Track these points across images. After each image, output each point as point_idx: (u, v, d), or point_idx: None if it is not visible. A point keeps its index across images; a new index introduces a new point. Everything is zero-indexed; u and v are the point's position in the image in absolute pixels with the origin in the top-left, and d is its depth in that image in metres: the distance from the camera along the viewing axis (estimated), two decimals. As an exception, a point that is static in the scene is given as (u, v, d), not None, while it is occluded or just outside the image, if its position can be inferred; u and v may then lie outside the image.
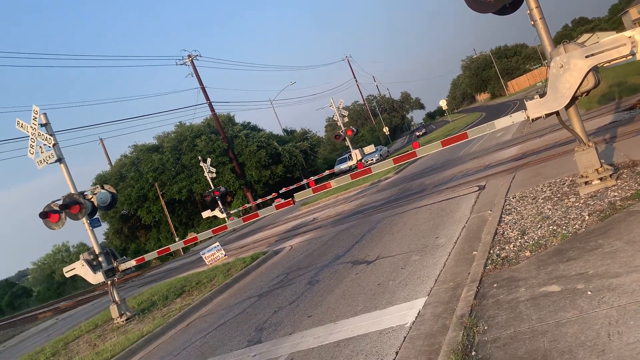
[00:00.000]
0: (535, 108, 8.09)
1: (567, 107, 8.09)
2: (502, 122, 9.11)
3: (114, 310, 13.37)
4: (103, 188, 13.62)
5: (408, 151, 10.83)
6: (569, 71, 7.57)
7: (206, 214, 37.05)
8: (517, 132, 23.87)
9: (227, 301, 11.81)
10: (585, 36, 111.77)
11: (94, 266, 13.27)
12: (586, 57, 7.40)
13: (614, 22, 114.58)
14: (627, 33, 7.35)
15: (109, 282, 13.27)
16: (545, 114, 8.11)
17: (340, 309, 7.62)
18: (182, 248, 44.51)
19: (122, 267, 13.50)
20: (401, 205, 15.42)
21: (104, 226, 55.95)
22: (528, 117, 8.30)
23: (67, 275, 13.61)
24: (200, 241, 43.19)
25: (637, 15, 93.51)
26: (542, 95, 8.02)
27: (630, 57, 7.33)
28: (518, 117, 8.67)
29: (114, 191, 13.83)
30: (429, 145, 10.62)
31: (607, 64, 7.83)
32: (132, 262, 13.71)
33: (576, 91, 7.72)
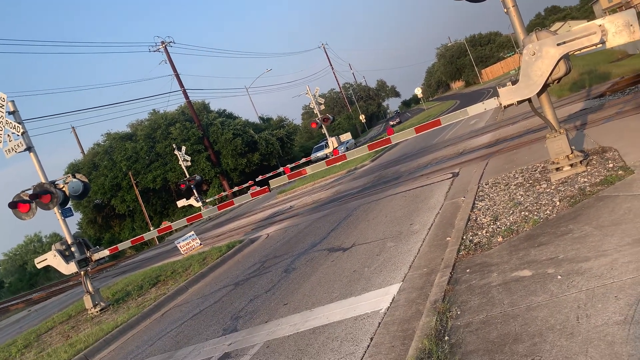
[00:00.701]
0: (508, 95, 8.16)
1: (538, 94, 8.18)
2: (474, 109, 9.19)
3: (87, 301, 13.19)
4: (75, 177, 13.35)
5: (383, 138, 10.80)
6: (541, 59, 7.64)
7: (181, 203, 36.65)
8: (491, 120, 24.15)
9: (202, 290, 11.75)
10: (557, 24, 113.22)
11: (67, 256, 13.03)
12: (558, 44, 7.48)
13: (585, 10, 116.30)
14: (598, 21, 7.44)
15: (82, 272, 13.07)
16: (517, 101, 8.19)
17: (316, 296, 7.64)
18: (157, 237, 44.07)
19: (96, 256, 13.31)
20: (377, 192, 15.49)
21: (77, 216, 55.11)
22: (500, 104, 8.37)
23: (39, 266, 13.34)
24: (176, 230, 42.84)
25: (608, 4, 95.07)
26: (514, 83, 8.10)
27: (600, 45, 7.43)
28: (490, 104, 8.75)
29: (86, 180, 13.57)
30: (403, 132, 10.66)
31: (578, 52, 7.92)
32: (106, 252, 13.51)
33: (548, 78, 7.81)
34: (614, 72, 21.91)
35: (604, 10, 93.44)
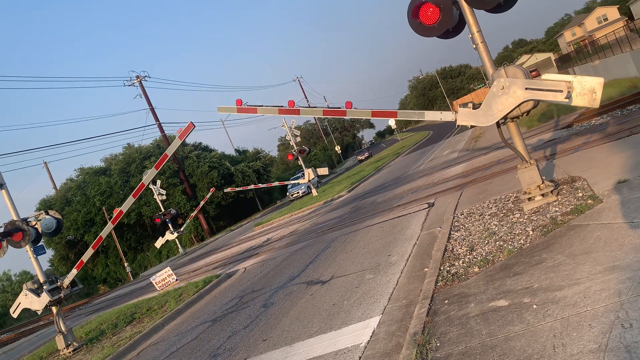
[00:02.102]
0: (465, 116, 8.38)
1: (497, 124, 8.44)
2: (431, 115, 9.17)
3: (59, 341, 12.78)
4: (48, 214, 13.11)
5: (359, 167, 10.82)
6: (507, 95, 7.91)
7: (159, 242, 35.93)
8: (463, 150, 24.62)
9: (179, 327, 11.53)
10: (524, 57, 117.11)
11: (38, 291, 12.62)
12: (526, 88, 7.77)
13: (550, 44, 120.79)
14: (568, 78, 7.74)
15: (54, 308, 12.68)
16: (471, 125, 8.42)
17: (295, 331, 7.58)
18: (131, 273, 43.23)
19: (66, 281, 12.76)
20: (354, 223, 15.56)
21: (49, 253, 53.75)
22: (456, 121, 8.56)
23: (16, 314, 12.81)
24: (149, 266, 42.10)
25: (571, 37, 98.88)
26: (475, 107, 8.33)
27: (567, 100, 7.68)
28: (447, 116, 8.83)
29: (59, 217, 13.33)
30: (359, 111, 9.97)
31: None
32: (73, 271, 12.95)
33: (506, 115, 8.08)
34: (580, 102, 22.59)
35: (568, 43, 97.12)
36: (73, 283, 13.01)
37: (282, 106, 10.07)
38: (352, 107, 9.59)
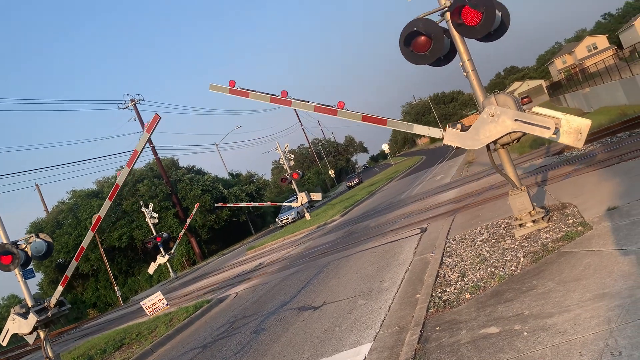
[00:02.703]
0: (452, 137, 8.48)
1: (489, 150, 8.55)
2: (419, 129, 9.23)
3: (46, 368, 12.55)
4: (38, 237, 12.98)
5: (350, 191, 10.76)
6: (495, 123, 8.03)
7: (152, 268, 35.53)
8: (456, 175, 24.76)
9: (169, 353, 11.38)
10: (516, 84, 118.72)
11: (26, 316, 12.36)
12: (515, 120, 7.90)
13: (541, 71, 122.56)
14: (558, 115, 7.92)
15: (42, 334, 12.46)
16: (457, 146, 8.52)
17: (286, 357, 7.51)
18: (121, 298, 42.70)
19: (53, 300, 12.47)
20: (347, 248, 15.52)
21: (38, 276, 53.06)
22: (443, 139, 8.63)
23: (5, 342, 12.56)
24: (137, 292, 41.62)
25: (562, 65, 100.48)
26: (463, 130, 8.43)
27: (554, 136, 7.84)
28: (435, 132, 8.90)
29: (50, 240, 13.19)
30: (350, 112, 9.71)
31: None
32: (59, 289, 12.68)
33: (495, 141, 8.21)
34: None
35: (559, 70, 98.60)
36: (61, 303, 12.76)
37: (275, 95, 9.97)
38: (344, 108, 9.52)
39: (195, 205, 39.23)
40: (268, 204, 43.92)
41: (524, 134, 8.12)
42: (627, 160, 10.99)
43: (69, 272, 12.67)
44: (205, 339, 11.12)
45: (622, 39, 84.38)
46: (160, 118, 11.00)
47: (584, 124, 7.77)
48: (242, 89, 10.21)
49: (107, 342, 15.08)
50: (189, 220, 38.44)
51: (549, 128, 7.63)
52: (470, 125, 8.38)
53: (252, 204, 45.06)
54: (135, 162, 11.72)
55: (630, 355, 3.79)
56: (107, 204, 12.44)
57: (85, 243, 12.51)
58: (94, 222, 12.62)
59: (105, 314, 36.64)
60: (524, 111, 8.36)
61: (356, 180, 72.17)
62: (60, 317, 12.84)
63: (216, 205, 42.65)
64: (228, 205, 43.95)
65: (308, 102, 9.89)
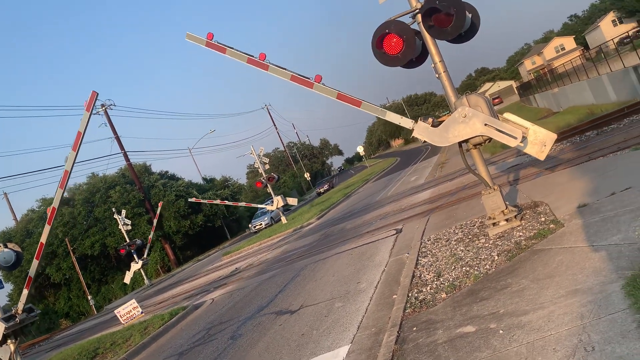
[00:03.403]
0: (422, 131, 8.54)
1: (461, 151, 8.64)
2: (392, 116, 9.13)
3: (17, 381, 12.20)
4: (7, 247, 12.62)
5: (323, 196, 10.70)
6: (465, 124, 8.13)
7: (128, 278, 34.72)
8: (430, 176, 24.98)
9: (144, 362, 11.18)
10: (487, 85, 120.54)
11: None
12: (485, 124, 8.01)
13: (512, 72, 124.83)
14: (527, 124, 8.12)
15: (11, 346, 12.10)
16: (424, 140, 8.58)
17: (263, 363, 7.44)
18: (95, 307, 41.87)
19: (20, 305, 12.05)
20: (324, 251, 15.50)
21: (7, 287, 51.67)
22: (412, 130, 8.67)
23: None
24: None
25: (531, 66, 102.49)
26: (434, 125, 8.50)
27: (522, 144, 8.01)
28: (406, 123, 8.89)
29: (19, 249, 12.84)
30: (326, 88, 9.42)
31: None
32: (24, 292, 12.24)
33: (464, 142, 8.39)
34: (541, 129, 23.31)
35: (528, 71, 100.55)
36: (30, 309, 12.41)
37: (253, 56, 9.67)
38: (321, 83, 9.31)
39: (159, 203, 38.73)
40: (243, 204, 43.62)
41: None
42: (596, 159, 11.22)
43: (32, 273, 12.23)
44: (181, 347, 10.96)
45: (588, 39, 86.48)
46: (98, 94, 10.78)
47: (550, 138, 8.02)
48: (220, 43, 9.89)
49: (81, 352, 14.74)
50: (155, 220, 37.69)
51: (516, 138, 7.84)
52: (442, 122, 8.47)
53: (227, 202, 44.60)
54: (80, 144, 11.27)
55: (603, 350, 3.85)
56: (59, 192, 11.90)
57: (43, 238, 12.06)
58: (49, 215, 12.09)
59: (79, 323, 35.87)
60: (495, 113, 8.48)
61: (326, 186, 67.08)
62: (31, 325, 12.42)
63: (189, 200, 42.43)
64: (202, 201, 43.61)
65: (286, 69, 9.60)
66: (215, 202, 43.80)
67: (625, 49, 31.55)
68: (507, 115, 8.28)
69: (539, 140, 8.06)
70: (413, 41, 8.47)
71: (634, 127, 13.71)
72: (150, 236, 37.43)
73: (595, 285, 4.97)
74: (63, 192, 11.87)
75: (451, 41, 8.84)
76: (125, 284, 42.68)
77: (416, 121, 8.64)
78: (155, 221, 37.78)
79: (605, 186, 8.44)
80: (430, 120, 8.55)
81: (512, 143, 7.88)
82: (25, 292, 12.14)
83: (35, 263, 12.24)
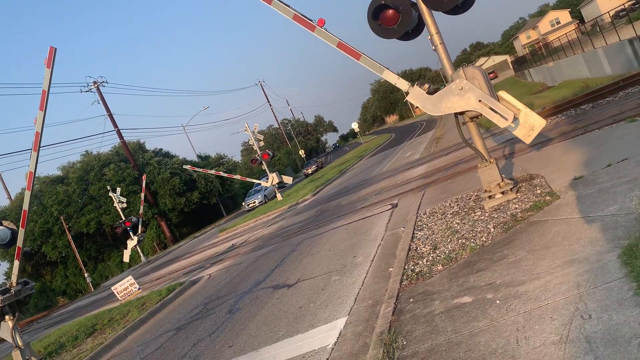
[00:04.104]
0: (416, 96, 8.46)
1: (458, 124, 8.59)
2: (389, 75, 8.95)
3: (17, 356, 12.27)
4: (2, 225, 12.59)
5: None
6: (460, 97, 8.07)
7: (127, 255, 34.78)
8: (425, 152, 24.96)
9: (142, 337, 11.26)
10: (482, 60, 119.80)
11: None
12: (480, 101, 7.95)
13: (506, 46, 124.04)
14: (519, 106, 8.06)
15: (10, 323, 12.12)
16: (417, 106, 8.52)
17: (262, 336, 7.50)
18: (92, 284, 42.03)
19: (14, 277, 12.00)
20: (320, 226, 15.54)
21: (4, 265, 51.79)
22: (407, 94, 8.62)
23: None
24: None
25: (526, 40, 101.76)
26: (429, 92, 8.44)
27: (512, 125, 7.98)
28: (402, 84, 8.69)
29: (14, 227, 12.79)
30: (327, 34, 9.11)
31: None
32: (15, 263, 12.23)
33: (457, 114, 8.41)
34: (536, 103, 23.30)
35: (523, 45, 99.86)
36: (25, 282, 12.42)
37: None
38: (323, 27, 9.06)
39: (143, 177, 38.66)
40: (237, 176, 43.51)
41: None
42: (592, 131, 11.21)
43: (19, 243, 12.12)
44: (179, 321, 11.04)
45: (583, 13, 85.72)
46: (56, 49, 10.62)
47: (538, 123, 8.02)
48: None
49: (79, 328, 14.85)
50: (142, 194, 37.40)
51: (507, 119, 7.82)
52: (437, 91, 8.41)
53: (222, 173, 44.45)
54: (46, 103, 11.06)
55: (600, 317, 3.88)
56: (34, 155, 11.66)
57: (25, 205, 11.91)
58: (27, 179, 11.90)
59: (76, 301, 36.07)
60: (492, 86, 8.43)
61: (314, 167, 63.37)
62: (28, 299, 12.38)
63: (184, 166, 42.25)
64: (197, 169, 43.51)
65: (289, 6, 9.28)
66: (209, 172, 43.57)
67: (621, 22, 31.31)
68: (501, 93, 8.23)
69: (529, 124, 8.08)
70: (409, 13, 8.35)
71: (629, 100, 13.68)
72: (141, 210, 37.24)
73: (592, 255, 5.00)
74: (37, 155, 11.62)
75: (447, 12, 8.73)
76: (122, 261, 42.81)
77: (412, 84, 8.55)
78: (142, 195, 37.53)
79: (601, 158, 8.45)
80: (426, 86, 8.48)
81: (502, 124, 7.88)
82: (16, 263, 12.06)
83: (21, 232, 12.10)
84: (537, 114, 8.15)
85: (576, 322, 3.98)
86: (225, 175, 45.22)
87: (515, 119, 8.00)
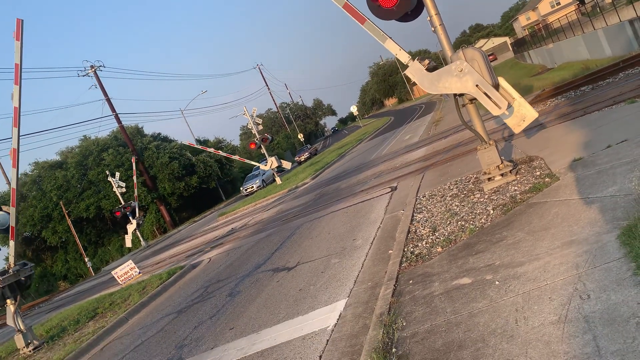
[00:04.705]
0: (415, 71, 8.43)
1: (457, 107, 8.56)
2: (391, 45, 8.71)
3: (19, 340, 12.39)
4: (1, 210, 12.62)
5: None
6: (458, 79, 8.05)
7: (128, 240, 34.89)
8: (424, 134, 24.92)
9: (144, 320, 11.34)
10: (481, 41, 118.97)
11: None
12: (477, 85, 7.93)
13: (506, 28, 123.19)
14: (515, 95, 8.20)
15: (12, 307, 12.20)
16: (414, 80, 8.50)
17: (262, 318, 7.55)
18: (92, 268, 42.23)
19: (11, 258, 11.92)
20: (319, 209, 15.57)
21: (4, 250, 51.90)
22: (407, 66, 8.53)
23: None
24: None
25: (526, 21, 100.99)
26: (428, 69, 8.41)
27: (506, 113, 8.07)
28: (403, 56, 8.52)
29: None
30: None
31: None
32: (11, 243, 12.18)
33: (456, 96, 8.50)
34: (536, 85, 23.22)
35: (523, 27, 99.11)
36: (24, 264, 12.48)
37: None
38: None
39: (132, 159, 38.64)
40: (236, 157, 43.42)
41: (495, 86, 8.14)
42: (591, 113, 11.18)
43: (12, 222, 12.16)
44: (180, 305, 11.10)
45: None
46: (23, 20, 10.58)
47: (530, 114, 8.19)
48: None
49: (80, 312, 14.94)
50: (134, 177, 37.37)
51: (500, 107, 7.87)
52: (436, 69, 8.39)
53: (221, 153, 44.28)
54: (20, 77, 11.02)
55: (599, 297, 3.90)
56: (15, 132, 11.61)
57: (13, 183, 11.86)
58: (12, 157, 11.82)
59: (77, 285, 36.24)
60: (491, 67, 8.38)
61: (307, 154, 59.34)
62: (29, 280, 12.42)
63: (181, 142, 41.97)
64: (196, 146, 43.50)
65: None
66: (209, 149, 43.36)
67: (622, 2, 31.05)
68: (500, 81, 8.23)
69: (520, 115, 8.24)
70: (408, -7, 8.26)
71: (629, 81, 13.61)
72: (135, 193, 37.19)
73: (591, 235, 5.01)
74: (18, 131, 11.59)
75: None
76: (122, 246, 42.90)
77: (413, 59, 8.50)
78: (135, 178, 37.43)
79: (600, 139, 8.43)
80: (426, 62, 8.44)
81: (495, 112, 7.94)
82: (11, 243, 12.09)
83: (12, 211, 12.11)
84: (530, 105, 8.21)
85: (575, 302, 4.00)
86: (225, 155, 44.99)
87: (510, 106, 8.05)
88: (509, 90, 8.23)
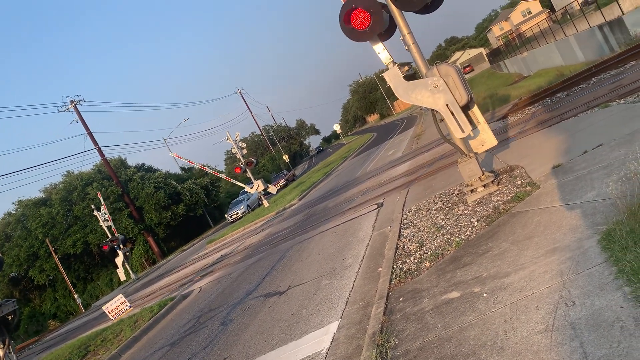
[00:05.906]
0: (393, 76, 8.57)
1: (435, 121, 8.71)
2: (376, 45, 9.07)
3: (9, 385, 12.12)
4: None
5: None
6: (431, 94, 8.22)
7: (121, 273, 34.39)
8: (407, 149, 25.13)
9: (137, 355, 11.19)
10: (457, 54, 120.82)
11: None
12: (447, 105, 8.14)
13: (480, 39, 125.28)
14: (480, 120, 8.63)
15: (1, 352, 11.96)
16: (389, 85, 8.65)
17: (256, 345, 7.51)
18: (82, 305, 41.58)
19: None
20: (308, 230, 15.57)
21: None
22: (387, 69, 8.65)
23: None
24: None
25: (500, 31, 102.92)
26: (406, 78, 8.57)
27: (466, 135, 8.35)
28: (385, 57, 8.65)
29: (-1, 254, 12.67)
30: None
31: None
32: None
33: (433, 111, 8.62)
34: (513, 94, 23.61)
35: (497, 37, 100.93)
36: (5, 300, 12.23)
37: None
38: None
39: (98, 193, 38.23)
40: (223, 176, 43.15)
41: (470, 100, 8.31)
42: (567, 119, 11.41)
43: None
44: (172, 337, 10.99)
45: (553, 1, 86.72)
46: None
47: (490, 141, 8.69)
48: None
49: (72, 351, 14.70)
50: (103, 208, 36.86)
51: (463, 132, 8.13)
52: (414, 78, 8.57)
53: (207, 169, 43.97)
54: None
55: (583, 303, 3.97)
56: None
57: None
58: None
59: (67, 323, 35.62)
60: (466, 82, 8.57)
61: (283, 181, 55.43)
62: (15, 317, 12.13)
63: (172, 153, 41.71)
64: (183, 158, 43.19)
65: None
66: (195, 164, 42.97)
67: (590, 8, 31.85)
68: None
69: (480, 139, 8.72)
70: (380, 14, 8.43)
71: (602, 85, 13.93)
72: (112, 226, 36.23)
73: (573, 242, 5.10)
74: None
75: (418, 12, 8.83)
76: (111, 279, 42.32)
77: (395, 63, 8.64)
78: (103, 211, 36.19)
79: (577, 145, 8.61)
80: (405, 68, 8.59)
81: (457, 134, 8.28)
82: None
83: None
84: (492, 133, 8.70)
85: (561, 309, 4.07)
86: (213, 172, 44.69)
87: (475, 128, 8.45)
88: (477, 114, 8.56)
